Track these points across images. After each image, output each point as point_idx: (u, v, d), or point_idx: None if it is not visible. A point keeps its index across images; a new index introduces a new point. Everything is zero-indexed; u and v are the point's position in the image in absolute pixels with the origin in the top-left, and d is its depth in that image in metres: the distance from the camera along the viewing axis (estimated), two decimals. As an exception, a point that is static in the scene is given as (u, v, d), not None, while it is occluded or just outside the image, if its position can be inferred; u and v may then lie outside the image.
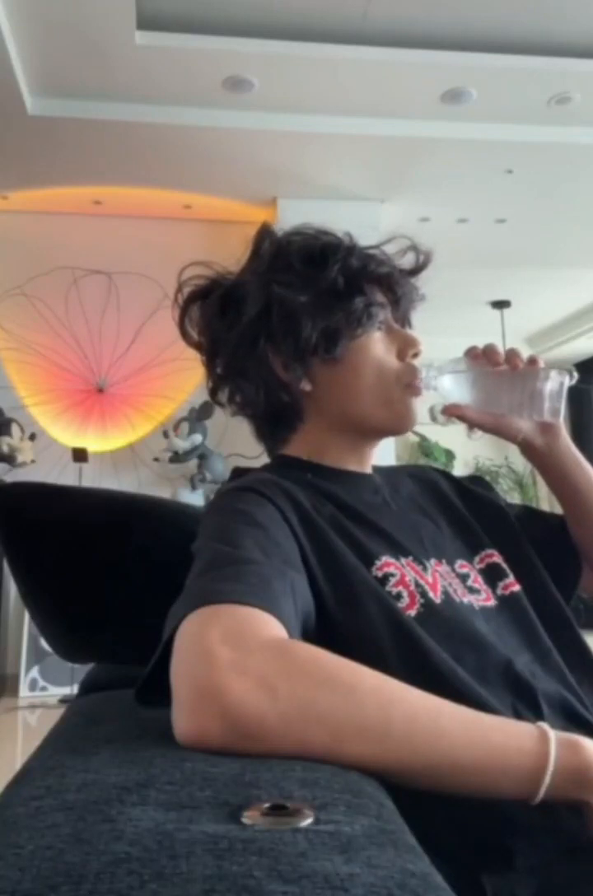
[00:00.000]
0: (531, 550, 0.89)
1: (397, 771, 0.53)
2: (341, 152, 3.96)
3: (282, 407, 0.86)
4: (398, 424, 0.86)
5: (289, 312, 0.82)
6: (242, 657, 0.52)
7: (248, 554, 0.64)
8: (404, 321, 0.90)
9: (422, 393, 0.86)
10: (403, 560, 0.76)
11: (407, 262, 0.89)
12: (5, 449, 4.11)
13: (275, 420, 0.88)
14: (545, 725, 0.57)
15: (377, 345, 0.85)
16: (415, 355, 0.86)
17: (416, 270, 0.90)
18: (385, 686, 0.56)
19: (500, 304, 6.52)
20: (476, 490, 0.96)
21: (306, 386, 0.85)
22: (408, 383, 0.85)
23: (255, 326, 0.84)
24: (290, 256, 0.85)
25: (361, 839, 0.39)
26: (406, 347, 0.86)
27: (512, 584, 0.83)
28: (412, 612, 0.72)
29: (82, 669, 1.07)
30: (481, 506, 0.93)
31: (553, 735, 0.56)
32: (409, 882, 0.35)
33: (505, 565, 0.85)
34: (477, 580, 0.82)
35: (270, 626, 0.57)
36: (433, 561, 0.79)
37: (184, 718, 0.52)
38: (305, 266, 0.84)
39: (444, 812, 0.61)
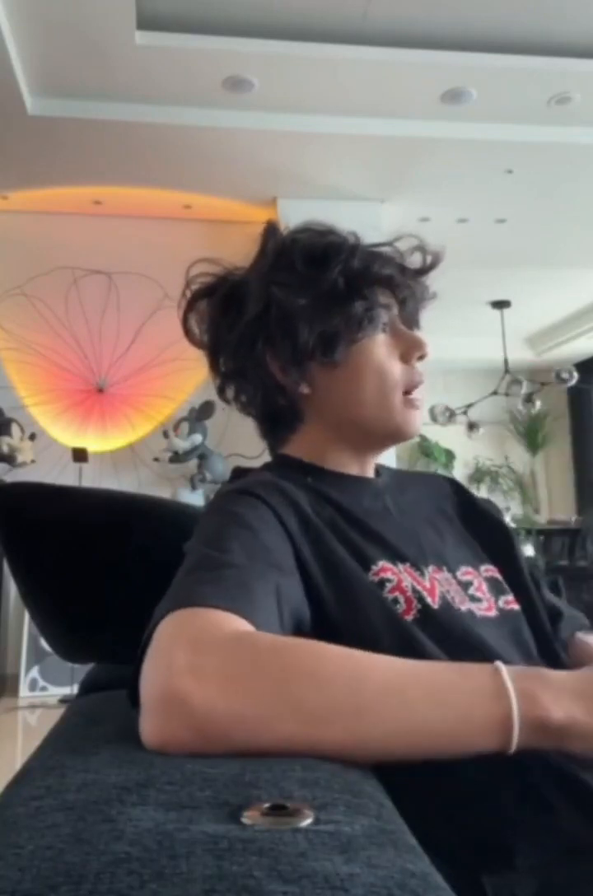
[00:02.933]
0: (528, 576, 0.88)
1: (372, 748, 0.53)
2: (341, 152, 3.96)
3: (279, 409, 0.86)
4: (398, 432, 0.85)
5: (286, 315, 0.81)
6: (200, 660, 0.52)
7: (232, 558, 0.64)
8: (412, 322, 0.88)
9: (420, 407, 0.85)
10: (401, 566, 0.76)
11: (415, 261, 0.88)
12: (5, 449, 4.11)
13: (274, 421, 0.89)
14: (502, 670, 0.56)
15: (379, 348, 0.83)
16: (421, 357, 0.85)
17: (424, 271, 0.88)
18: (350, 662, 0.55)
19: (500, 304, 6.52)
20: (485, 508, 0.95)
21: (304, 389, 0.84)
22: (408, 390, 0.83)
23: (254, 327, 0.83)
24: (293, 256, 0.83)
25: (361, 839, 0.39)
26: (410, 350, 0.84)
27: (511, 602, 0.83)
28: (408, 618, 0.72)
29: (82, 669, 1.07)
30: (489, 525, 0.92)
31: (511, 688, 0.55)
32: (409, 882, 0.35)
33: (505, 584, 0.85)
34: (480, 588, 0.81)
35: (236, 626, 0.56)
36: (431, 568, 0.78)
37: (148, 724, 0.52)
38: (307, 267, 0.83)
39: (444, 812, 0.61)
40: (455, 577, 0.80)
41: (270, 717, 0.51)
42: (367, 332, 0.82)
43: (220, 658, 0.52)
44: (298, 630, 0.65)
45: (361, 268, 0.83)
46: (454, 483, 0.98)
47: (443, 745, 0.54)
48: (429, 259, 0.88)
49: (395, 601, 0.72)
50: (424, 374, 0.85)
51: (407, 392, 0.84)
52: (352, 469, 0.86)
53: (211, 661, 0.52)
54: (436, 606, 0.74)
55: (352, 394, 0.83)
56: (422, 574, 0.77)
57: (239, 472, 0.88)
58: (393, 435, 0.85)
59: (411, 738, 0.54)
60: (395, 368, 0.83)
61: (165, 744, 0.50)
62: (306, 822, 0.40)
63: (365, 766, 0.52)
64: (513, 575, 0.86)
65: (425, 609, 0.73)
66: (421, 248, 0.88)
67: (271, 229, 0.88)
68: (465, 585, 0.80)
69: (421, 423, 0.86)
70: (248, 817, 0.40)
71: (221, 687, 0.51)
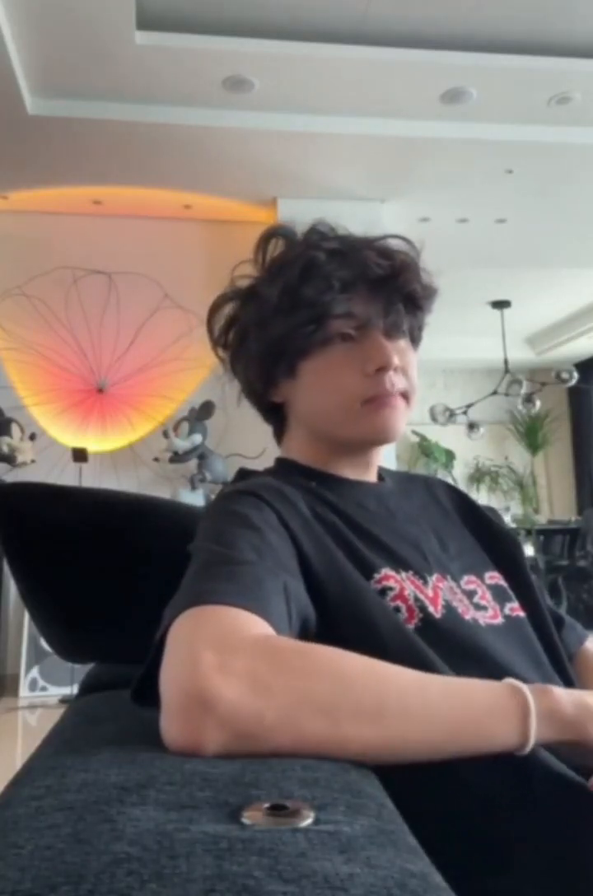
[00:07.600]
0: (533, 582, 0.88)
1: (398, 747, 0.54)
2: (341, 152, 3.96)
3: (263, 413, 0.91)
4: (369, 439, 0.83)
5: (244, 327, 0.86)
6: (228, 660, 0.52)
7: (241, 555, 0.64)
8: (392, 329, 0.82)
9: (389, 406, 0.80)
10: (404, 574, 0.75)
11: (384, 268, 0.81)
12: (5, 449, 4.11)
13: (267, 421, 0.92)
14: (511, 680, 0.60)
15: (334, 360, 0.80)
16: (379, 370, 0.79)
17: (392, 276, 0.81)
18: (371, 666, 0.56)
19: (500, 304, 6.53)
20: (488, 514, 0.95)
21: (275, 398, 0.87)
22: (370, 398, 0.80)
23: (234, 335, 0.88)
24: (270, 269, 0.85)
25: (361, 839, 0.39)
26: (366, 363, 0.80)
27: (517, 609, 0.83)
28: (410, 627, 0.71)
29: (82, 669, 1.07)
30: (493, 531, 0.92)
31: (523, 686, 0.59)
32: (409, 882, 0.35)
33: (510, 591, 0.85)
34: (484, 596, 0.81)
35: (257, 627, 0.57)
36: (435, 576, 0.78)
37: (174, 725, 0.51)
38: (262, 281, 0.85)
39: (444, 813, 0.61)
40: (459, 585, 0.80)
41: (299, 717, 0.51)
42: (316, 343, 0.80)
43: (247, 658, 0.52)
44: (303, 631, 0.65)
45: (310, 280, 0.79)
46: (455, 489, 0.98)
47: (466, 741, 0.56)
48: (399, 264, 0.81)
49: (397, 610, 0.72)
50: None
51: (368, 401, 0.80)
52: (347, 472, 0.86)
53: (238, 661, 0.52)
54: (438, 615, 0.73)
55: (312, 405, 0.84)
56: (426, 582, 0.76)
57: (243, 474, 0.89)
58: (364, 441, 0.84)
59: (434, 735, 0.55)
60: (350, 380, 0.80)
61: (193, 745, 0.49)
62: (306, 822, 0.40)
63: (365, 766, 0.53)
64: (519, 581, 0.86)
65: (427, 618, 0.72)
66: (389, 254, 0.82)
67: (269, 233, 0.88)
68: (470, 594, 0.80)
69: (391, 425, 0.81)
70: (248, 817, 0.40)
71: (251, 687, 0.51)
